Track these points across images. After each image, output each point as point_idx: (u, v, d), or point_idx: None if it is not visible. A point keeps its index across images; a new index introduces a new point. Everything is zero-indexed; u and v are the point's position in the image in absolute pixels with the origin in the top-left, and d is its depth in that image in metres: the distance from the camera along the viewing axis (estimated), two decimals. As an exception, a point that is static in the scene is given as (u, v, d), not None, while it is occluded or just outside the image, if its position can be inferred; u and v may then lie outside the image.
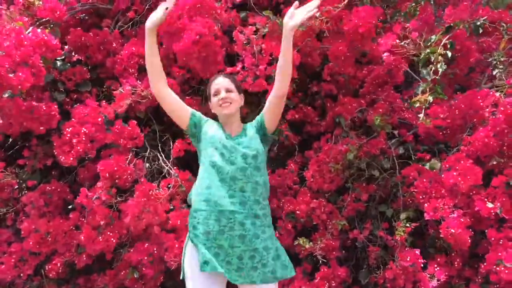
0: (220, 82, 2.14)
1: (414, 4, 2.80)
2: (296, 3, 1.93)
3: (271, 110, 2.10)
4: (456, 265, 2.70)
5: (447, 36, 2.39)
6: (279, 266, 1.99)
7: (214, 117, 2.20)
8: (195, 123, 2.10)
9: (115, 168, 2.77)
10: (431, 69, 2.26)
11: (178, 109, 2.11)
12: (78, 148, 2.72)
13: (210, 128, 2.10)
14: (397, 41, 2.43)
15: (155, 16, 1.99)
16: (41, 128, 2.71)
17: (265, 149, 2.15)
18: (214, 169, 2.00)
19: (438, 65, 2.24)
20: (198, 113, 2.15)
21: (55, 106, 2.78)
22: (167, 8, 1.99)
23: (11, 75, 2.38)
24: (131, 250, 2.85)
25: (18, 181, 3.20)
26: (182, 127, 2.13)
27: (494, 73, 2.83)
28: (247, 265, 1.95)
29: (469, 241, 2.43)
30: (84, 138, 2.74)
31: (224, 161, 2.00)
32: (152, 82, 2.07)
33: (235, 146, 2.04)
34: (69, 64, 3.20)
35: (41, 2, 2.88)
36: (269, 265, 1.96)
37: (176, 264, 2.69)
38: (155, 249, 2.79)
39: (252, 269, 1.94)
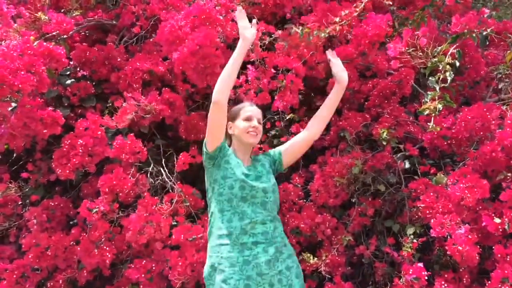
0: (254, 110, 2.15)
1: (421, 11, 2.79)
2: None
3: (295, 151, 2.17)
4: (464, 282, 2.63)
5: (454, 46, 2.36)
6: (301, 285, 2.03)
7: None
8: (221, 148, 2.04)
9: (114, 183, 2.74)
10: (439, 78, 2.24)
11: (221, 126, 2.02)
12: (74, 160, 2.70)
13: (232, 159, 2.07)
14: (405, 48, 2.39)
15: (252, 32, 2.10)
16: (45, 131, 2.66)
17: None
18: (234, 202, 2.00)
19: (447, 74, 2.21)
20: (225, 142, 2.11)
21: (60, 113, 2.76)
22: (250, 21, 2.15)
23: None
24: (132, 266, 2.79)
25: (21, 196, 3.19)
26: (209, 147, 2.04)
27: (500, 86, 2.81)
28: None
29: (477, 258, 2.38)
30: (81, 151, 2.72)
31: (244, 194, 2.00)
32: (222, 91, 1.98)
33: (255, 180, 2.04)
34: (73, 79, 3.22)
35: (47, 17, 2.91)
36: (295, 284, 1.99)
37: (180, 283, 2.63)
38: (153, 265, 2.73)
39: None
